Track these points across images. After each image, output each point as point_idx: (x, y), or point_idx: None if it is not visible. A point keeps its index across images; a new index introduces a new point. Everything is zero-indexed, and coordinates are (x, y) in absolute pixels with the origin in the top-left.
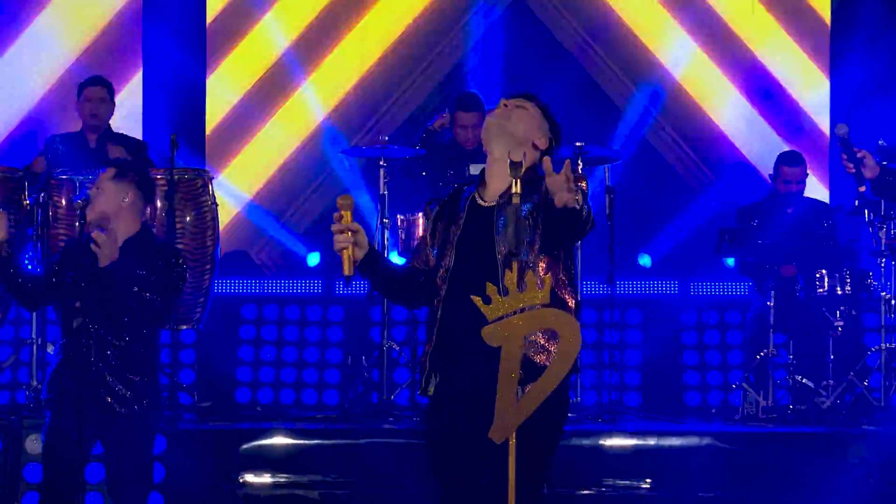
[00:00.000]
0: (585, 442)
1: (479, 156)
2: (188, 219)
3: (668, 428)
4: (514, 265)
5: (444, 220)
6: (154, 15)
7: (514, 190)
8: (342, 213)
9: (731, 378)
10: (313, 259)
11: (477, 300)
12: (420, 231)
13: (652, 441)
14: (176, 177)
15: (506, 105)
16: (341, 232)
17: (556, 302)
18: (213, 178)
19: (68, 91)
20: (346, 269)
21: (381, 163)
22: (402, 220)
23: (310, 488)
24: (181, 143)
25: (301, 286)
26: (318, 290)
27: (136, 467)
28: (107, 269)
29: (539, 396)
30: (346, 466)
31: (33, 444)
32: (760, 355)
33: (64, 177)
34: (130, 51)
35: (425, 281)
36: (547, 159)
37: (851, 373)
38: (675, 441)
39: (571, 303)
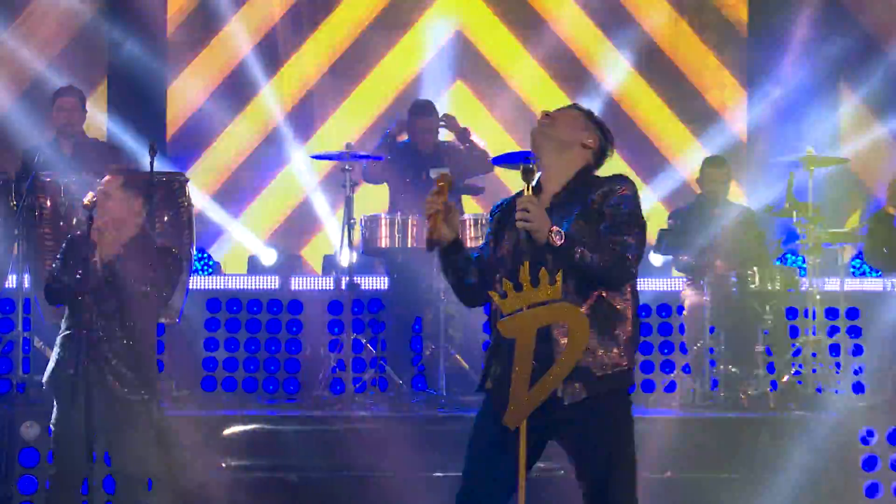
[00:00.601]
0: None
1: (436, 159)
2: (166, 219)
3: None
4: (527, 263)
5: (504, 225)
6: (118, 25)
7: (525, 194)
8: (441, 185)
9: (666, 368)
10: (269, 258)
11: (493, 295)
12: (383, 231)
13: None
14: (155, 179)
15: (547, 114)
16: (434, 201)
17: (601, 303)
18: (188, 180)
19: (36, 99)
20: (428, 234)
21: (346, 167)
22: (365, 221)
23: (288, 471)
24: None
25: (260, 282)
26: (275, 286)
27: (142, 448)
28: (112, 266)
29: (550, 386)
30: (321, 451)
31: (28, 430)
32: (696, 346)
33: (48, 179)
34: (97, 59)
35: (487, 282)
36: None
37: (780, 362)
38: None
39: (620, 305)
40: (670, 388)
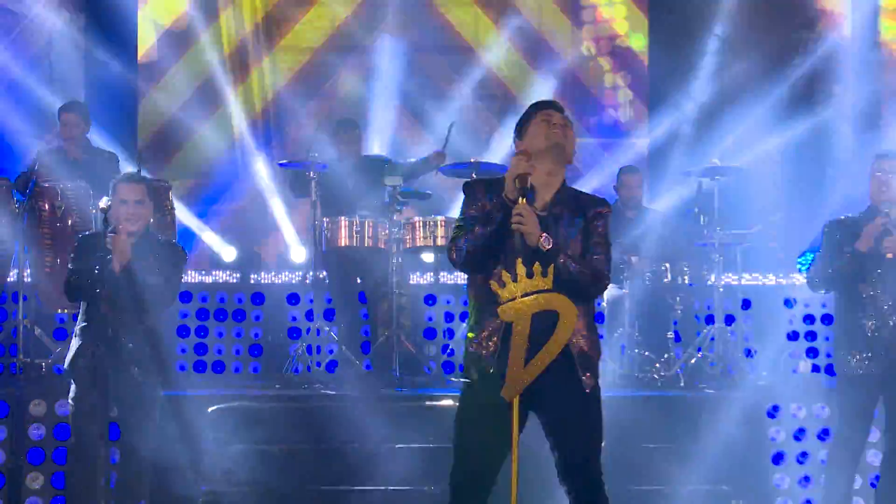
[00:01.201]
0: (432, 403)
1: (361, 170)
2: (152, 220)
3: None
4: (519, 259)
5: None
6: (94, 42)
7: (520, 202)
8: (527, 166)
9: None
10: (230, 255)
11: (494, 285)
12: (343, 231)
13: None
14: (154, 185)
15: (559, 124)
16: (524, 169)
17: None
18: (171, 186)
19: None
20: (515, 189)
21: (311, 175)
22: (327, 223)
23: (271, 444)
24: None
25: (223, 276)
26: (236, 279)
27: (150, 423)
28: (128, 262)
29: (544, 362)
30: (298, 425)
31: (36, 407)
32: (616, 334)
33: (46, 185)
34: (73, 73)
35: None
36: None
37: (688, 347)
38: None
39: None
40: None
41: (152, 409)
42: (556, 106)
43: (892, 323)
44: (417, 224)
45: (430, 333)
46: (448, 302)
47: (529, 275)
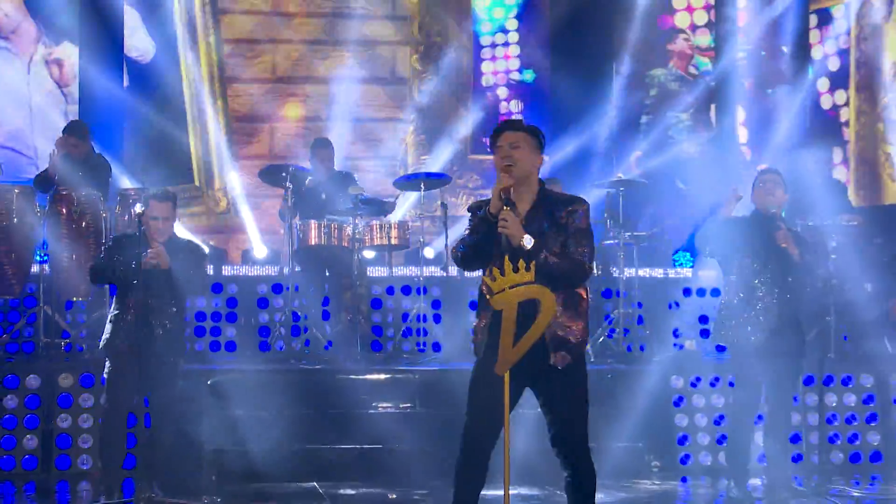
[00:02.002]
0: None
1: (334, 181)
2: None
3: (454, 367)
4: (506, 257)
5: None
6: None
7: (504, 210)
8: (508, 181)
9: None
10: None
11: (486, 279)
12: (314, 232)
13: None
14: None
15: (510, 161)
16: (506, 182)
17: (570, 291)
18: (176, 195)
19: None
20: (500, 200)
21: (287, 184)
22: (300, 224)
23: (262, 410)
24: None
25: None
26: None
27: (173, 398)
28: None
29: (529, 343)
30: (284, 394)
31: (65, 380)
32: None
33: (64, 192)
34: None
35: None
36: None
37: (599, 328)
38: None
39: (581, 291)
40: None
41: (174, 385)
42: (510, 125)
43: (774, 305)
44: (375, 226)
45: (387, 317)
46: (405, 292)
47: (515, 269)
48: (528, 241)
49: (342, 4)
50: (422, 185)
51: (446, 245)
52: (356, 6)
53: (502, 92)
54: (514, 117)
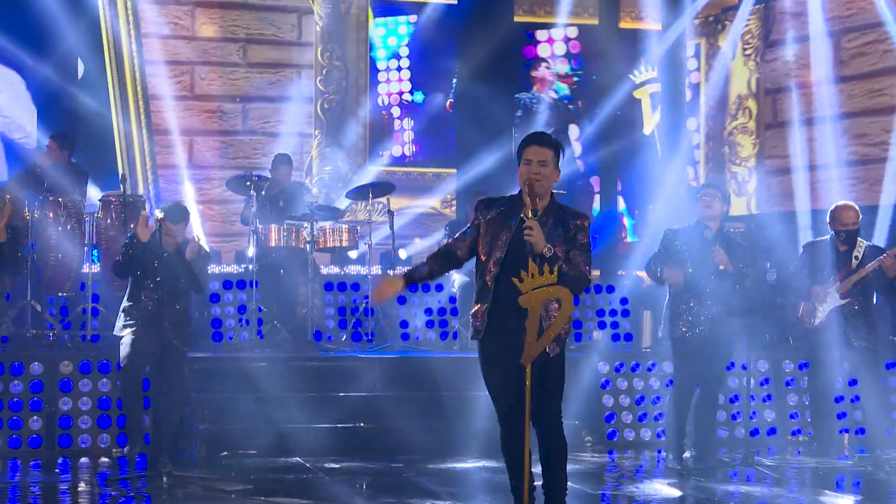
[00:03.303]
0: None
1: (290, 193)
2: (131, 226)
3: (410, 354)
4: (530, 261)
5: (495, 227)
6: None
7: (529, 218)
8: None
9: (444, 325)
10: None
11: (515, 280)
12: (275, 234)
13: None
14: (132, 199)
15: (535, 161)
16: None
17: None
18: (146, 200)
19: None
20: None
21: (252, 191)
22: (262, 228)
23: (247, 393)
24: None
25: None
26: None
27: (180, 383)
28: (171, 258)
29: (550, 336)
30: (265, 379)
31: (66, 367)
32: (469, 312)
33: (51, 198)
34: None
35: (461, 256)
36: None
37: None
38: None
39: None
40: (455, 336)
41: (182, 372)
42: (540, 141)
43: (708, 304)
44: (328, 229)
45: (339, 311)
46: (355, 288)
47: (540, 273)
48: (548, 250)
49: (255, 31)
50: (370, 193)
51: (393, 246)
52: (268, 33)
53: (395, 111)
54: (542, 131)
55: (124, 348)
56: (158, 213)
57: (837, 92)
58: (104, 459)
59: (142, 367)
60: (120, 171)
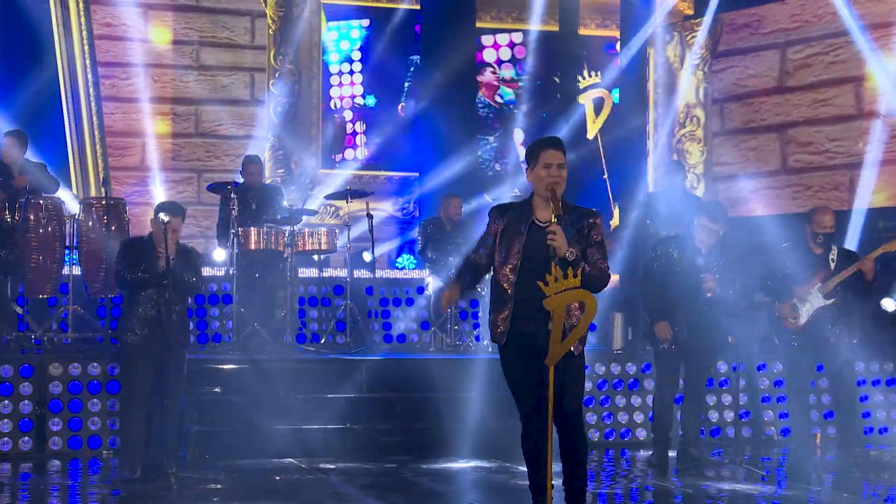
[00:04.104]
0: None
1: (263, 193)
2: (113, 228)
3: (392, 356)
4: (554, 265)
5: (509, 234)
6: None
7: (553, 223)
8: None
9: (426, 326)
10: None
11: (540, 284)
12: (254, 238)
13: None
14: (113, 202)
15: (555, 165)
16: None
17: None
18: (126, 202)
19: None
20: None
21: (231, 195)
22: (241, 231)
23: (239, 394)
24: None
25: None
26: None
27: (181, 383)
28: (175, 260)
29: (574, 338)
30: (257, 380)
31: (55, 370)
32: (443, 316)
33: (33, 200)
34: None
35: (486, 264)
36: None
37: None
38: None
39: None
40: (428, 339)
41: (183, 374)
42: (558, 145)
43: (690, 311)
44: (306, 233)
45: (321, 313)
46: (337, 291)
47: (565, 276)
48: (571, 253)
49: (208, 35)
50: (348, 197)
51: (373, 250)
52: (221, 36)
53: (348, 115)
54: (554, 136)
55: (125, 376)
56: (164, 217)
57: (783, 102)
58: (96, 461)
59: (150, 372)
60: (101, 175)
